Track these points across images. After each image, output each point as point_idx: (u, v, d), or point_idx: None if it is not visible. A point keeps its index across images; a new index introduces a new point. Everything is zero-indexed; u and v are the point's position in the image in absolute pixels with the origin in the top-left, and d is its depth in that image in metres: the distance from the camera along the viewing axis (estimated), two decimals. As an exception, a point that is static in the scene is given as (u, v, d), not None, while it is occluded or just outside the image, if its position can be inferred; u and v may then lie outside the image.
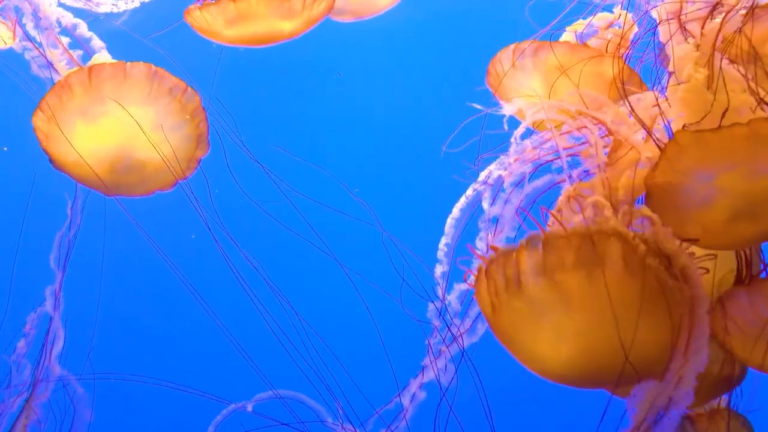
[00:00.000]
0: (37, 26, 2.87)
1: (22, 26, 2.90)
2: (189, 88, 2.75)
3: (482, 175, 2.52)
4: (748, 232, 2.21)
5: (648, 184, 2.19)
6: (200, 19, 2.87)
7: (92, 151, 2.78)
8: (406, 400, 2.81)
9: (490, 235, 2.40)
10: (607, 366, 2.16)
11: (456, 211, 2.66)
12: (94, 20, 3.01)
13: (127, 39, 3.14)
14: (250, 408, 3.29)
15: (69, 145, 2.73)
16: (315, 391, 3.10)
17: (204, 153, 2.86)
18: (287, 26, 2.92)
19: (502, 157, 2.46)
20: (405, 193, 6.40)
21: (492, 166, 2.48)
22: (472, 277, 2.25)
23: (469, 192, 2.60)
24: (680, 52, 2.25)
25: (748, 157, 2.09)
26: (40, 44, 2.86)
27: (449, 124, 2.76)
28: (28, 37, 2.87)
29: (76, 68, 2.79)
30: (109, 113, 2.73)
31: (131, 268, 6.22)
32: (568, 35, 2.68)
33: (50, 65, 2.84)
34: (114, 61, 2.83)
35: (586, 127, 2.20)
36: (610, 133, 2.22)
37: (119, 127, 2.75)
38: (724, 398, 3.05)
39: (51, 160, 2.81)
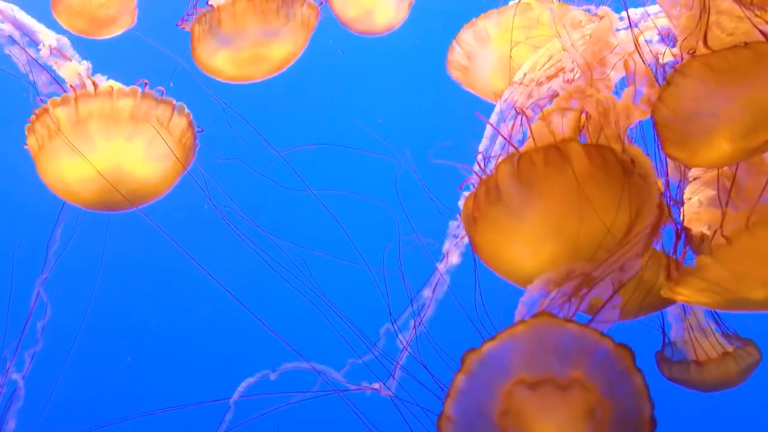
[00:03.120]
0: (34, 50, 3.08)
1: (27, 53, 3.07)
2: (175, 110, 2.87)
3: (506, 93, 2.85)
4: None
5: (656, 112, 2.42)
6: (197, 47, 3.05)
7: (84, 179, 2.92)
8: (429, 291, 3.12)
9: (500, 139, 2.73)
10: (585, 252, 2.44)
11: (489, 129, 2.99)
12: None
13: (127, 39, 3.32)
14: (273, 377, 3.36)
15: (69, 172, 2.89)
16: (346, 360, 3.23)
17: (190, 163, 3.01)
18: (275, 50, 3.15)
19: (523, 70, 2.78)
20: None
21: (517, 78, 2.80)
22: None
23: (501, 107, 2.92)
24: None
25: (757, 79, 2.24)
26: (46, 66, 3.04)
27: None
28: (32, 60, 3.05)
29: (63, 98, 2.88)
30: (97, 147, 2.87)
31: (137, 254, 6.40)
32: None
33: (58, 83, 3.04)
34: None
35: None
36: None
37: (111, 154, 2.90)
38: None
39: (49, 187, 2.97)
